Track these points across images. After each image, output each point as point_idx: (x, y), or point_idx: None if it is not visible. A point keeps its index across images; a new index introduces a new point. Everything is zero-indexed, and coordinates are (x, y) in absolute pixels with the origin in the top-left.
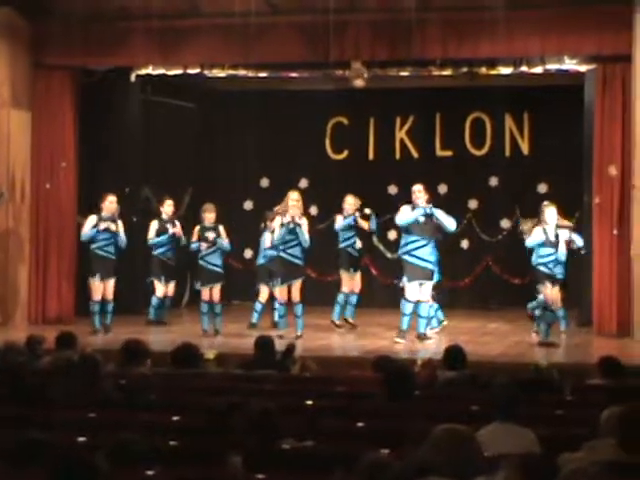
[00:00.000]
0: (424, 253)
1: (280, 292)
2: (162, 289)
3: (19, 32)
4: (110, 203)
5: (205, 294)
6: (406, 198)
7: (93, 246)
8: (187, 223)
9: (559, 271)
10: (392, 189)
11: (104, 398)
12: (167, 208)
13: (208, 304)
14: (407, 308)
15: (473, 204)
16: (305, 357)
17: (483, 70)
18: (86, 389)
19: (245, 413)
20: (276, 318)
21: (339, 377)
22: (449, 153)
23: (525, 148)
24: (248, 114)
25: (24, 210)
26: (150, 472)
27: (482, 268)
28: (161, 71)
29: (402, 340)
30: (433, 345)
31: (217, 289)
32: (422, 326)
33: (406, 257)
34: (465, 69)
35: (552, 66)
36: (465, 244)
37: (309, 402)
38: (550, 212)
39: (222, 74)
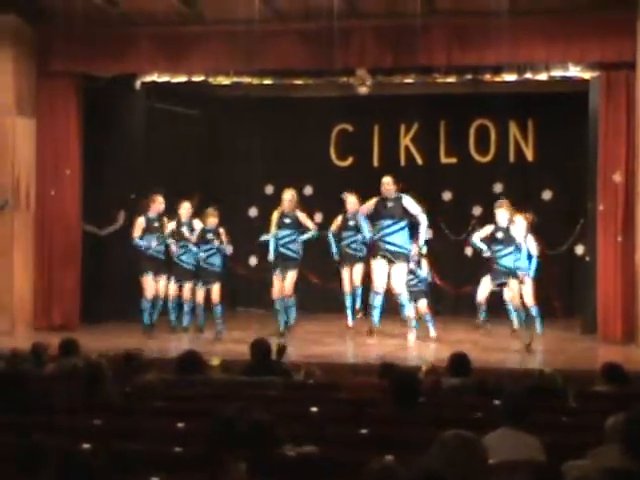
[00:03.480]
0: (396, 238)
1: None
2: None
3: (23, 39)
4: (159, 203)
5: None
6: None
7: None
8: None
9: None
10: None
11: (109, 404)
12: (183, 211)
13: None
14: (376, 300)
15: (477, 211)
16: (310, 364)
17: (487, 77)
18: (91, 395)
19: (242, 425)
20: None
21: (343, 384)
22: (453, 160)
23: (529, 155)
24: (252, 121)
25: (29, 217)
26: (154, 479)
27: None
28: (166, 78)
29: (372, 340)
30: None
31: (216, 289)
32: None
33: (379, 243)
34: (469, 76)
35: (556, 73)
36: (469, 251)
37: (314, 409)
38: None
39: (226, 81)
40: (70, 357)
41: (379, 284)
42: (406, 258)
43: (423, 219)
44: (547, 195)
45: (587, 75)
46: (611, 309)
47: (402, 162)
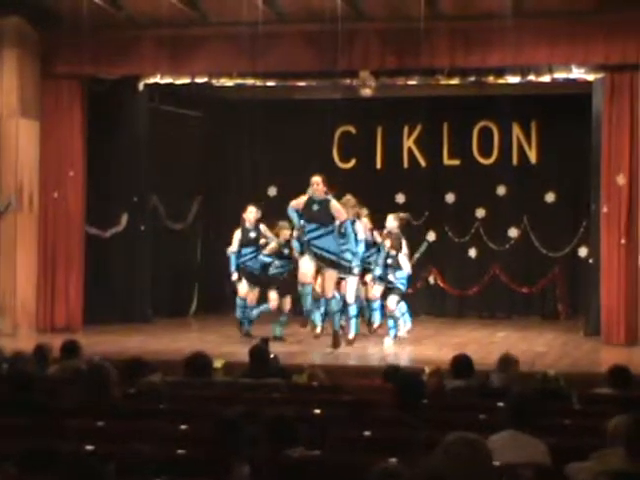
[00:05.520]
0: (323, 243)
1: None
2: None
3: (28, 41)
4: (249, 213)
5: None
6: (414, 207)
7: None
8: (195, 231)
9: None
10: (400, 198)
11: (112, 406)
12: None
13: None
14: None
15: (481, 213)
16: (314, 366)
17: (491, 79)
18: (94, 397)
19: (259, 421)
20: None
21: (347, 386)
22: (457, 162)
23: (533, 157)
24: (256, 123)
25: (32, 219)
26: None
27: (490, 277)
28: (169, 80)
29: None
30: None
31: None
32: (335, 323)
33: (309, 245)
34: (473, 78)
35: (560, 75)
36: (473, 253)
37: (317, 411)
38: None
39: (230, 83)
40: (72, 359)
41: (307, 277)
42: (335, 265)
43: (349, 226)
44: (550, 197)
45: (591, 77)
46: (614, 311)
47: (405, 164)
